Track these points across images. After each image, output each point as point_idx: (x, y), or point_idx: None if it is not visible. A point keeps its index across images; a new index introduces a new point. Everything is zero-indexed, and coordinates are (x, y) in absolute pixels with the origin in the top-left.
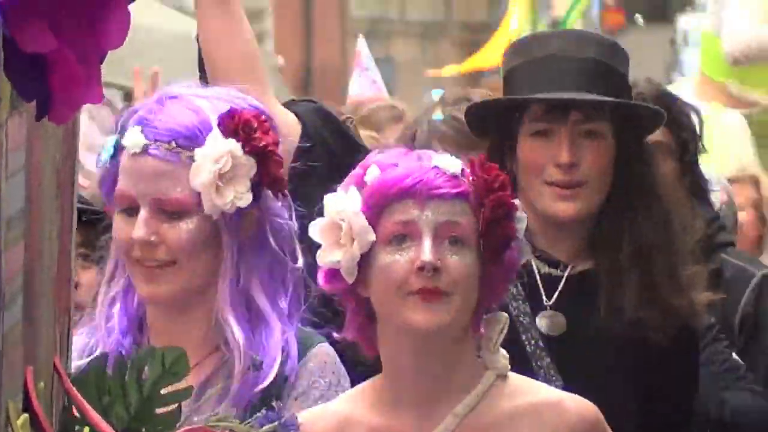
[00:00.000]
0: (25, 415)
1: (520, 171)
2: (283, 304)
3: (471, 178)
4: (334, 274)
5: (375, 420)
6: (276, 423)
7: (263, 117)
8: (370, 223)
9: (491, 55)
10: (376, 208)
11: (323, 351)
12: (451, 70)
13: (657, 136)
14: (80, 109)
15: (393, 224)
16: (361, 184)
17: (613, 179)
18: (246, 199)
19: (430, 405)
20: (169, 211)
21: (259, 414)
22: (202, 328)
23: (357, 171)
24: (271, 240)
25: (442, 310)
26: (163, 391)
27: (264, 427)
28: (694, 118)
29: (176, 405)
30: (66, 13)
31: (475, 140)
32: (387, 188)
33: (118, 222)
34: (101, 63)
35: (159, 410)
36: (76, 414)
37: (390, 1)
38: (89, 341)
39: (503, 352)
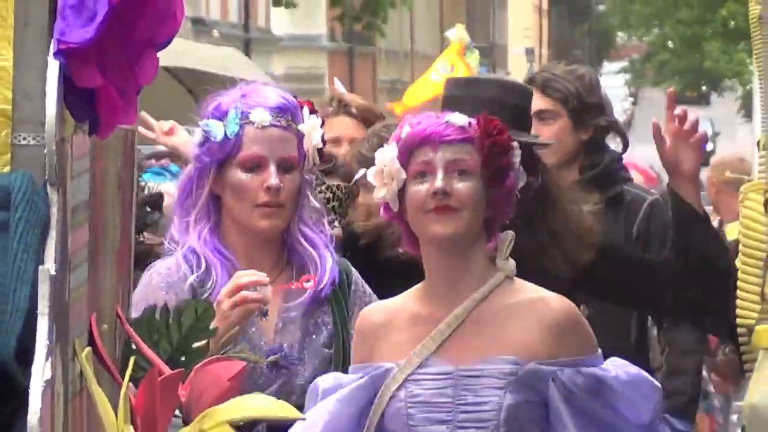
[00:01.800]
0: (89, 348)
1: None
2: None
3: (476, 127)
4: (386, 206)
5: (416, 308)
6: (279, 355)
7: None
8: (402, 166)
9: (415, 97)
10: (406, 154)
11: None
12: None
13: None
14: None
15: (416, 164)
16: (398, 139)
17: None
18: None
19: (454, 297)
20: (284, 167)
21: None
22: (277, 252)
23: (397, 130)
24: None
25: (453, 221)
26: (196, 331)
27: (270, 357)
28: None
29: (206, 341)
30: (111, 59)
31: None
32: (412, 138)
33: (243, 178)
34: (137, 95)
35: (194, 345)
36: (134, 347)
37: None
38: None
39: (512, 260)
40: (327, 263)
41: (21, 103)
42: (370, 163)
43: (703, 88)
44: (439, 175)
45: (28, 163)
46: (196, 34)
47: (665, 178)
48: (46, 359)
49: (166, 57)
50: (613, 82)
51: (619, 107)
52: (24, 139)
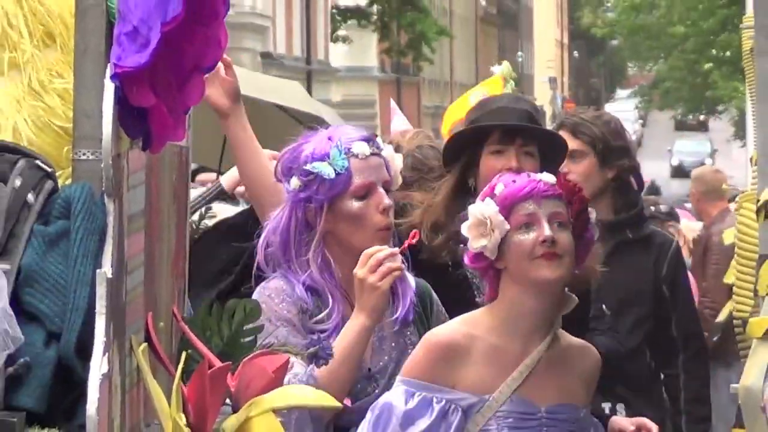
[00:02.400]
0: (145, 344)
1: (480, 181)
2: None
3: (560, 185)
4: (478, 255)
5: (493, 340)
6: (317, 347)
7: None
8: (503, 219)
9: (453, 115)
10: (508, 208)
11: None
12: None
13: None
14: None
15: (520, 216)
16: (491, 196)
17: None
18: None
19: (534, 334)
20: (386, 189)
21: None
22: None
23: (486, 189)
24: None
25: (559, 267)
26: (245, 328)
27: (309, 349)
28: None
29: (253, 337)
30: (162, 81)
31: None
32: (515, 195)
33: (359, 205)
34: (186, 114)
35: (243, 340)
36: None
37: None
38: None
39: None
40: (408, 287)
41: (80, 121)
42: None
43: (701, 116)
44: (545, 225)
45: (87, 177)
46: (264, 66)
47: (665, 192)
48: (103, 354)
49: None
50: (624, 107)
51: (630, 128)
52: (83, 154)
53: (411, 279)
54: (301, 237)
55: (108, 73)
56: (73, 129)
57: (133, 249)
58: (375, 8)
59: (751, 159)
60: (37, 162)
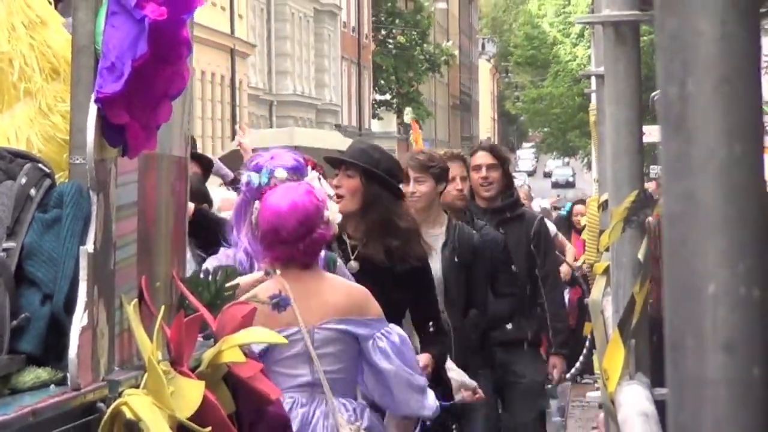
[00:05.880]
0: (135, 300)
1: None
2: None
3: None
4: None
5: None
6: (278, 298)
7: None
8: None
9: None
10: None
11: None
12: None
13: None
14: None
15: None
16: None
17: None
18: None
19: None
20: None
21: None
22: None
23: None
24: None
25: None
26: (226, 286)
27: (273, 300)
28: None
29: (232, 291)
30: (136, 104)
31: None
32: None
33: None
34: (157, 130)
35: (225, 294)
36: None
37: (433, 147)
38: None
39: None
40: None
41: (75, 134)
42: None
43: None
44: None
45: (80, 177)
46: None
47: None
48: (84, 310)
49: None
50: (526, 154)
51: (530, 164)
52: (77, 159)
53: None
54: (243, 218)
55: (92, 98)
56: (69, 140)
57: (124, 230)
58: (395, 101)
59: (595, 179)
60: (39, 165)
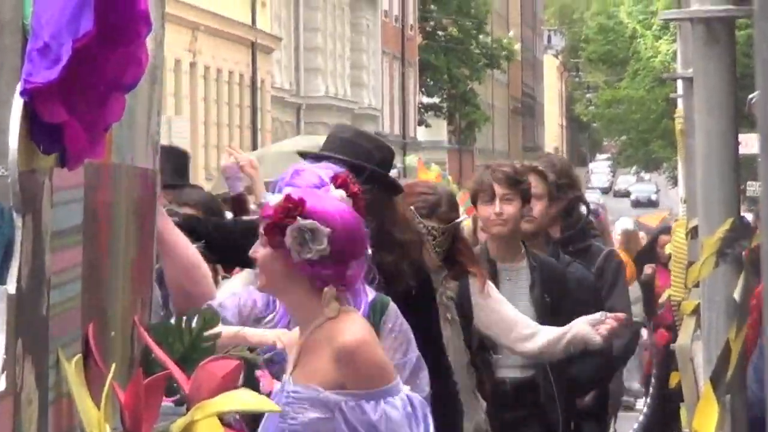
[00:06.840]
0: (78, 355)
1: None
2: None
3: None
4: None
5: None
6: (273, 353)
7: None
8: None
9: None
10: None
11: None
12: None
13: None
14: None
15: None
16: None
17: None
18: None
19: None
20: None
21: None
22: None
23: None
24: None
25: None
26: (204, 334)
27: (266, 355)
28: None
29: (212, 343)
30: (78, 98)
31: None
32: None
33: None
34: (106, 132)
35: (202, 345)
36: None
37: (490, 159)
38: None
39: None
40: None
41: None
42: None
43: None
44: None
45: (1, 193)
46: None
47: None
48: (2, 372)
49: None
50: (600, 168)
51: (605, 178)
52: None
53: (371, 293)
54: None
55: (18, 88)
56: None
57: (64, 263)
58: (445, 105)
59: (682, 199)
60: None
